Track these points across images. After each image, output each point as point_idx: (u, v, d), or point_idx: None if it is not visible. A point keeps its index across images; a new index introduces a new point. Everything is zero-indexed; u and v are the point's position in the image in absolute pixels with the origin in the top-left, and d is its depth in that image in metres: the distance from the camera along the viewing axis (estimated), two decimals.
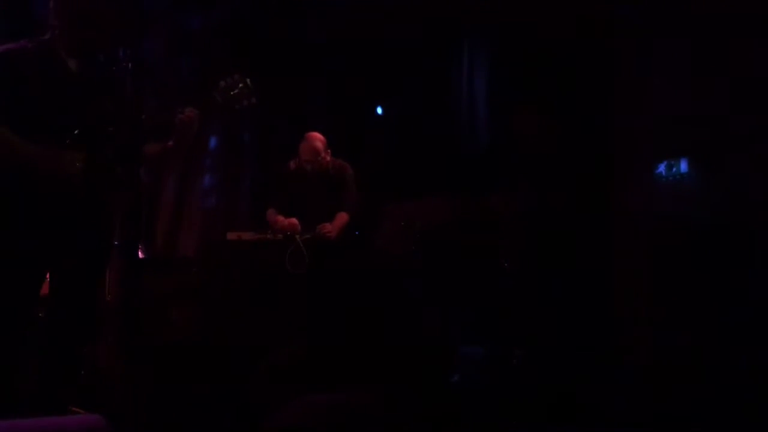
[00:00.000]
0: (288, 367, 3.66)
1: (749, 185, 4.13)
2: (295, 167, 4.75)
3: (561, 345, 4.31)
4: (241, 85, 2.82)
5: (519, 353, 4.21)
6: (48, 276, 2.73)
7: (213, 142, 5.88)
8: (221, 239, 4.39)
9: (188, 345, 3.87)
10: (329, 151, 4.72)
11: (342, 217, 4.58)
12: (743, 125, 4.17)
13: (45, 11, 2.75)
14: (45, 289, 2.76)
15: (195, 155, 5.68)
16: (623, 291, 4.77)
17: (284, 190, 4.77)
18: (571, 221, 4.62)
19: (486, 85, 5.87)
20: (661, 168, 4.60)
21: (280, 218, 4.54)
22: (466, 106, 5.99)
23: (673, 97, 4.59)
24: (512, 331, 4.21)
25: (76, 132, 2.60)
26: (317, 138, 4.71)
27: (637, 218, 4.71)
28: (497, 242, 4.21)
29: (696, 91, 4.44)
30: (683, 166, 4.52)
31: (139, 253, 4.33)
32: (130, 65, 2.27)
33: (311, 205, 4.64)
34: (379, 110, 6.26)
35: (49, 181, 2.57)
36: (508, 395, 3.87)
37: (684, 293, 4.25)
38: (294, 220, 4.50)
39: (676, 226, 4.37)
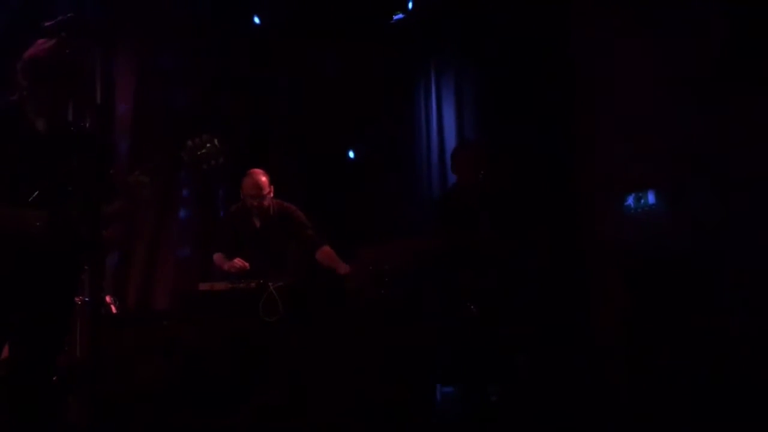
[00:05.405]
0: (263, 415, 3.66)
1: (714, 215, 4.22)
2: (237, 209, 4.79)
3: (538, 376, 4.33)
4: (209, 144, 2.81)
5: (496, 390, 4.23)
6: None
7: (185, 195, 5.89)
8: (194, 290, 4.39)
9: (159, 397, 3.85)
10: (272, 187, 4.72)
11: (328, 251, 4.63)
12: (709, 158, 4.28)
13: (13, 70, 2.77)
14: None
15: (167, 209, 5.70)
16: (599, 324, 4.80)
17: (229, 232, 4.80)
18: (541, 257, 4.68)
19: (455, 122, 5.96)
20: (630, 200, 4.69)
21: (228, 262, 4.58)
22: (437, 145, 6.08)
23: (640, 131, 4.69)
24: (487, 369, 4.23)
25: (36, 192, 2.61)
26: (261, 173, 4.71)
27: (609, 250, 4.77)
28: (467, 283, 4.26)
29: (662, 125, 4.55)
30: (650, 197, 4.62)
31: (113, 309, 4.36)
32: (101, 124, 2.27)
33: (258, 245, 4.68)
34: (351, 154, 6.34)
35: (9, 240, 2.58)
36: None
37: (657, 321, 4.31)
38: (239, 261, 4.52)
39: (647, 257, 4.44)
